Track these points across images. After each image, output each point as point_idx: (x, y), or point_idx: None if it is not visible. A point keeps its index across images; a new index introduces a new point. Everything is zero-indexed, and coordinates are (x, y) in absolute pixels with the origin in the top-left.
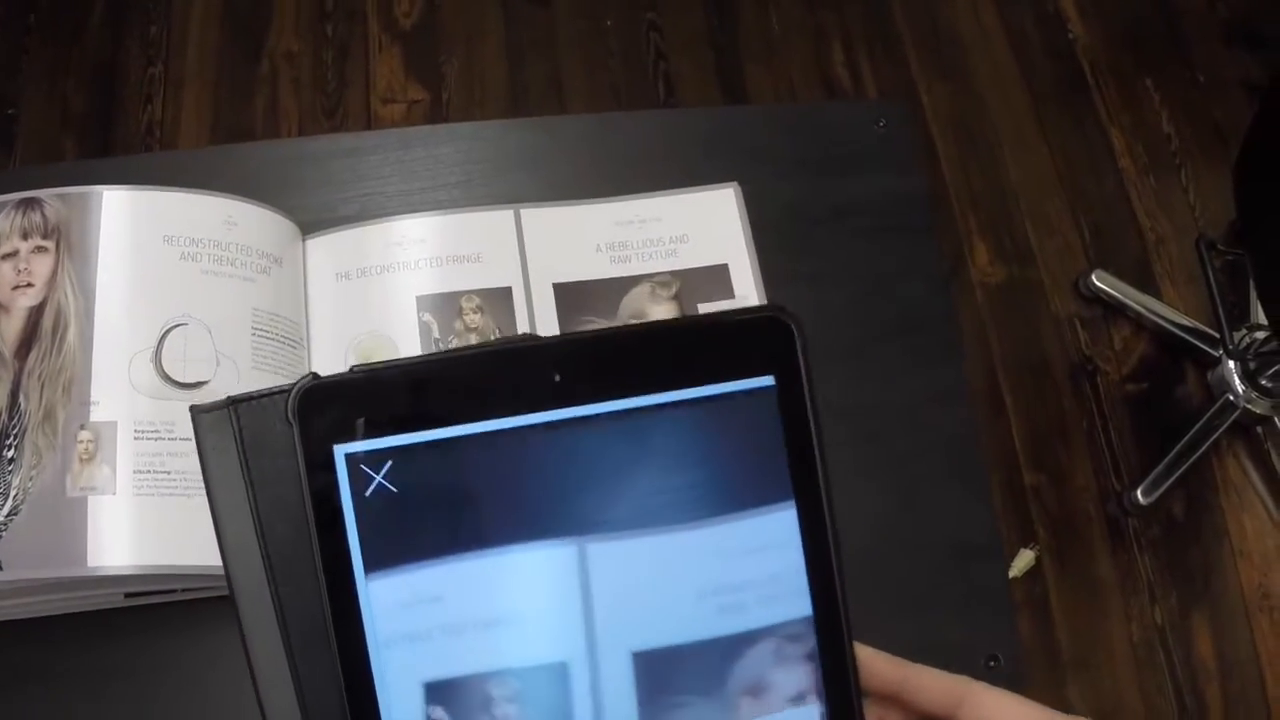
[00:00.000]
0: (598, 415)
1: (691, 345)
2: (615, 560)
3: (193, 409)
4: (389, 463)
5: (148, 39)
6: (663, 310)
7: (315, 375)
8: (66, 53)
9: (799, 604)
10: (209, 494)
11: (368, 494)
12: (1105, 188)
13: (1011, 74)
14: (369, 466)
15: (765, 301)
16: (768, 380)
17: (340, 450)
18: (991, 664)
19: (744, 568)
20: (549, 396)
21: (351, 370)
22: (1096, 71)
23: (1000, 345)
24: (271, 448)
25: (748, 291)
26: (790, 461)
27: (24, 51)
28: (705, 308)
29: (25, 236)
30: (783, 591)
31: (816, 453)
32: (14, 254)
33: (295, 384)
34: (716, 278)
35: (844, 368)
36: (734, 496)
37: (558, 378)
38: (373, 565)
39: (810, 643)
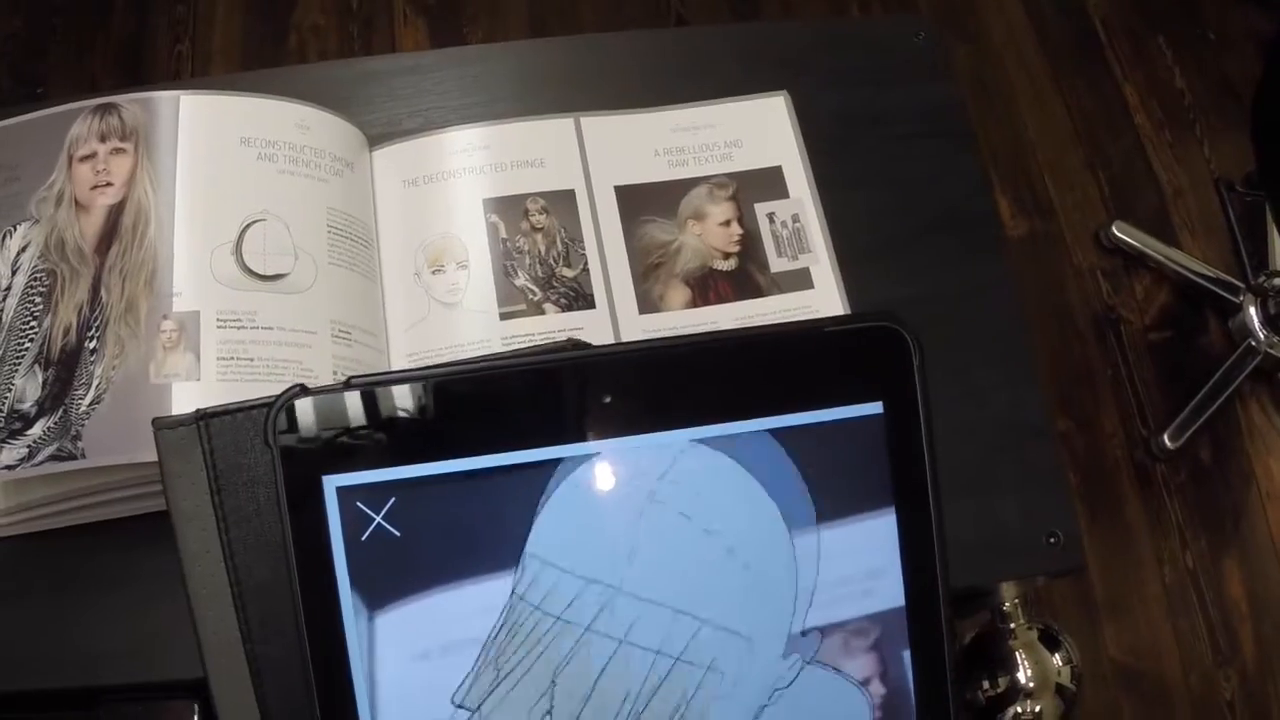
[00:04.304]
0: (658, 446)
1: (780, 362)
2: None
3: (155, 422)
4: (392, 499)
5: (174, 17)
6: (721, 209)
7: (303, 388)
8: (93, 32)
9: None
10: (175, 529)
11: (364, 537)
12: (1122, 142)
13: (1026, 34)
14: (366, 503)
15: (820, 197)
16: (875, 408)
17: (331, 482)
18: (1051, 540)
19: None
20: (597, 423)
21: (348, 382)
22: (1109, 30)
23: (1024, 296)
24: (249, 474)
25: (802, 192)
26: (896, 505)
27: (51, 31)
28: (762, 207)
29: (103, 139)
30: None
31: (932, 505)
32: (92, 156)
33: (278, 397)
34: (771, 179)
35: (890, 263)
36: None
37: (607, 399)
38: (383, 633)
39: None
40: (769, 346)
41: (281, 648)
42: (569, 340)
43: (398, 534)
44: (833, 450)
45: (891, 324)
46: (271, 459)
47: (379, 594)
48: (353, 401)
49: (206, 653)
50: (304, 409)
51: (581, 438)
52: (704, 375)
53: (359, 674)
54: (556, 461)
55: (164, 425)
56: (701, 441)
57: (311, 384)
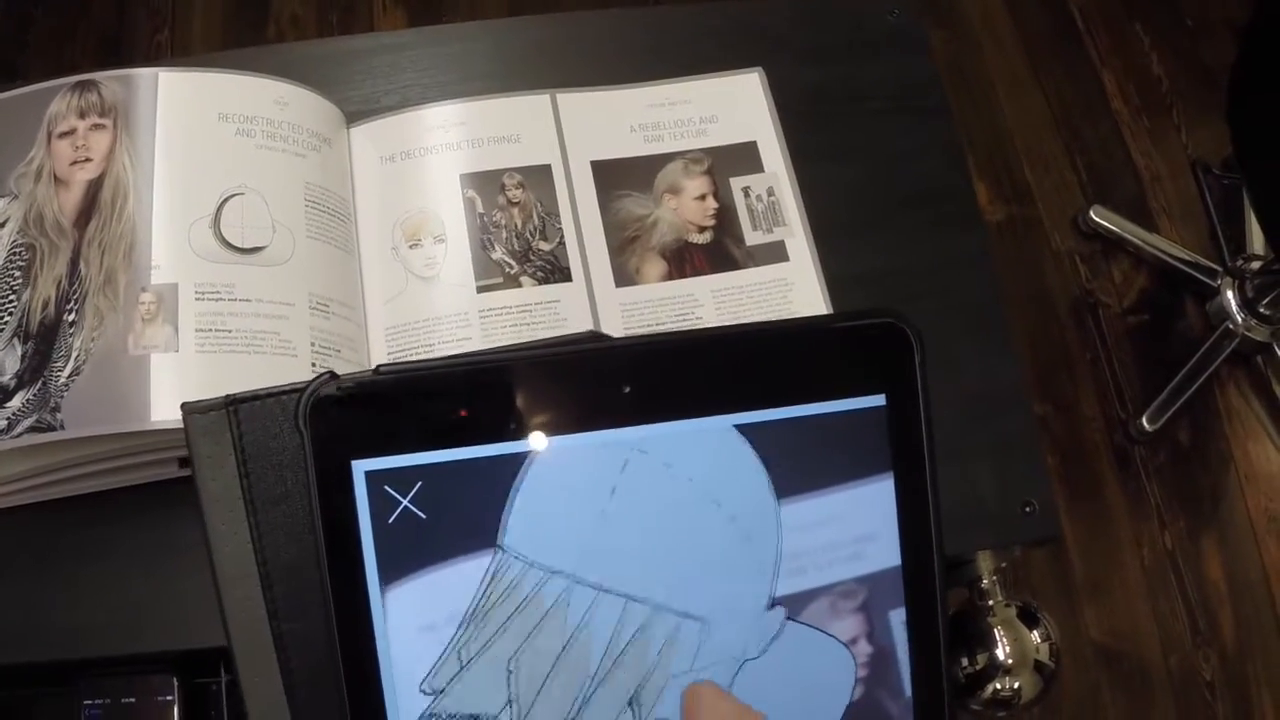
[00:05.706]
0: (675, 434)
1: (790, 355)
2: None
3: (184, 407)
4: (419, 483)
5: (153, 7)
6: (696, 184)
7: (333, 374)
8: (73, 22)
9: None
10: (202, 511)
11: (392, 520)
12: (1100, 128)
13: (1004, 20)
14: (394, 487)
15: (796, 172)
16: (878, 400)
17: (360, 467)
18: (1027, 509)
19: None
20: (617, 411)
21: (377, 370)
22: (1086, 17)
23: (1002, 281)
24: (277, 458)
25: (777, 167)
26: (896, 494)
27: (30, 21)
28: (737, 181)
29: (82, 115)
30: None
31: (930, 496)
32: (71, 132)
33: (309, 384)
34: (746, 154)
35: (866, 236)
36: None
37: (628, 389)
38: (395, 609)
39: None
40: (780, 340)
41: (307, 625)
42: (589, 332)
43: (424, 516)
44: (837, 437)
45: (895, 320)
46: (302, 443)
47: (403, 573)
48: (381, 389)
49: (232, 628)
50: (334, 395)
51: (600, 424)
52: (720, 366)
53: (383, 649)
54: (575, 446)
55: (194, 410)
56: (711, 428)
57: (290, 355)
